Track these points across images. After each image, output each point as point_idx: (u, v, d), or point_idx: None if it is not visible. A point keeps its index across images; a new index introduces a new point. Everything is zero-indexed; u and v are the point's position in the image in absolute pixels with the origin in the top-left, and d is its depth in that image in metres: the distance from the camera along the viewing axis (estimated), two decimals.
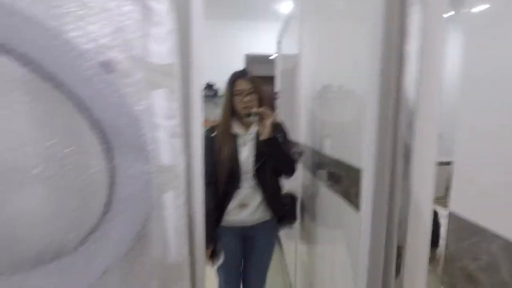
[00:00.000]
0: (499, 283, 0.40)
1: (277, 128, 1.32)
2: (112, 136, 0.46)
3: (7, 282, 0.45)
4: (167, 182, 0.55)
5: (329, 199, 1.22)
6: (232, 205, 1.30)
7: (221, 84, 3.71)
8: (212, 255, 1.27)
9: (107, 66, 0.48)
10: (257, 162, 1.28)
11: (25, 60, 0.40)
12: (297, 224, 1.71)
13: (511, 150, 0.40)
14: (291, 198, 1.60)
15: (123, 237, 0.48)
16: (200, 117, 0.68)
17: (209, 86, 3.74)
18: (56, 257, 0.48)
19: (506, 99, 0.41)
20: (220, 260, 1.29)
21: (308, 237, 1.60)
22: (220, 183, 1.27)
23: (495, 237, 0.41)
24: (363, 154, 0.70)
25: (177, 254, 0.56)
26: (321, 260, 1.38)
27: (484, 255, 0.42)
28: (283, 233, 2.61)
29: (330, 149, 1.22)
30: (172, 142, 0.57)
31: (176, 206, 0.55)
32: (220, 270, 1.39)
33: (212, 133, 1.33)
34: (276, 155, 1.27)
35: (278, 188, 1.40)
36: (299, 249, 1.83)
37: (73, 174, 0.45)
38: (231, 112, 1.31)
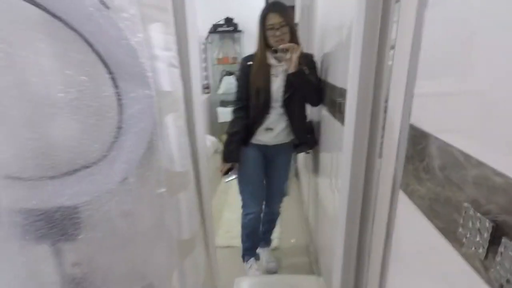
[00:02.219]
0: (434, 178, 0.48)
1: (307, 59, 1.39)
2: (114, 66, 0.55)
3: (47, 185, 0.59)
4: (167, 105, 0.65)
5: (331, 124, 1.29)
6: (260, 127, 1.46)
7: (241, 18, 3.59)
8: (227, 171, 1.50)
9: (104, 3, 0.55)
10: (285, 94, 1.41)
11: (32, 2, 0.48)
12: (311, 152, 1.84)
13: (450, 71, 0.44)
14: (311, 125, 1.73)
15: (136, 148, 0.60)
16: (197, 48, 0.75)
17: (228, 21, 3.62)
18: (84, 167, 0.62)
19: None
20: (232, 177, 1.51)
21: (316, 166, 1.73)
22: (252, 108, 1.43)
23: (435, 139, 0.47)
24: (349, 74, 0.75)
25: (181, 165, 0.69)
26: (323, 184, 1.52)
27: (426, 155, 0.50)
28: (300, 165, 2.78)
29: (332, 78, 1.26)
30: (170, 71, 0.66)
31: (177, 125, 0.66)
32: (244, 183, 1.57)
33: (247, 61, 1.44)
34: (303, 87, 1.38)
35: (303, 117, 1.56)
36: (311, 180, 1.99)
37: (90, 98, 0.56)
38: (265, 45, 1.39)
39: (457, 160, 0.41)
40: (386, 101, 0.70)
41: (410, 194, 0.56)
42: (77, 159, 0.59)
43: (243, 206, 1.59)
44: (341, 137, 1.14)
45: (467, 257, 0.39)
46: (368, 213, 0.86)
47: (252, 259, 1.64)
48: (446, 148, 0.44)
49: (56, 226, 0.59)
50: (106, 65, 0.55)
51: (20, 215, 0.57)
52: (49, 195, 0.58)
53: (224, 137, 1.61)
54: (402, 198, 0.60)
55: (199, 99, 0.73)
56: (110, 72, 0.56)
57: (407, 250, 0.62)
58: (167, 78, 0.65)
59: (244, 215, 1.59)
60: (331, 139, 1.33)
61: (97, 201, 0.61)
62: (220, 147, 3.61)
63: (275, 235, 1.93)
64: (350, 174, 0.83)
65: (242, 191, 1.58)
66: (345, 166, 0.82)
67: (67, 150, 0.58)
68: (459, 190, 0.41)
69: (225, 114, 3.57)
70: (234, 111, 1.52)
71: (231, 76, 3.74)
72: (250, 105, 1.46)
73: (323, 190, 1.54)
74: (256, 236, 1.67)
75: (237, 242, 1.99)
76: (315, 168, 1.77)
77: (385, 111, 0.71)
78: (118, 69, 0.55)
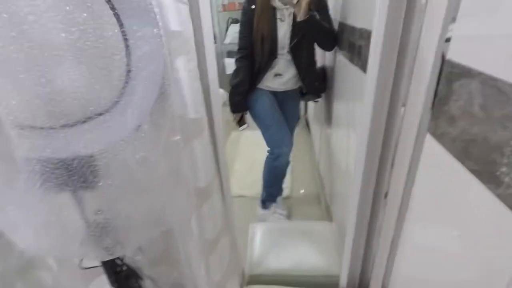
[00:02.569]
0: (472, 117, 0.44)
1: (317, 1, 1.27)
2: (116, 0, 0.49)
3: (60, 133, 0.58)
4: (177, 47, 0.60)
5: (348, 71, 1.22)
6: (269, 73, 1.41)
7: None
8: (240, 120, 1.50)
9: None
10: (292, 40, 1.32)
11: None
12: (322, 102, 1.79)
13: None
14: (323, 71, 1.66)
15: (147, 93, 0.57)
16: None
17: None
18: (96, 115, 0.59)
19: None
20: (246, 125, 1.51)
21: (329, 116, 1.68)
22: (257, 54, 1.36)
23: (478, 74, 0.42)
24: (375, 14, 0.67)
25: (195, 111, 0.66)
26: (337, 134, 1.49)
27: (465, 94, 0.45)
28: (310, 115, 2.72)
29: (351, 18, 1.15)
30: (178, 7, 0.60)
31: (189, 69, 0.62)
32: (267, 123, 1.53)
33: (250, 5, 1.34)
34: (315, 33, 1.29)
35: (312, 64, 1.49)
36: (323, 130, 1.95)
37: (93, 38, 0.51)
38: None
39: (504, 95, 0.37)
40: (416, 42, 0.63)
41: (440, 137, 0.53)
42: (88, 106, 0.56)
43: (272, 147, 1.52)
44: (359, 84, 1.07)
45: (504, 197, 0.37)
46: (386, 161, 0.84)
47: (274, 204, 1.68)
48: (491, 83, 0.39)
49: (75, 174, 0.59)
50: None
51: (38, 164, 0.56)
52: (64, 143, 0.57)
53: None
54: (429, 142, 0.57)
55: (211, 41, 0.67)
56: (112, 8, 0.50)
57: (431, 195, 0.60)
58: (175, 16, 0.59)
59: (275, 157, 1.52)
60: (348, 86, 1.27)
61: (112, 149, 0.59)
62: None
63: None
64: (370, 123, 0.79)
65: (266, 132, 1.51)
66: (365, 116, 0.78)
67: (77, 97, 0.55)
68: (503, 128, 0.37)
69: (233, 65, 3.45)
70: (237, 60, 1.45)
71: (238, 24, 3.53)
72: (254, 52, 1.38)
73: (336, 140, 1.52)
74: (283, 179, 1.66)
75: (249, 192, 2.05)
76: (328, 117, 1.73)
77: (414, 54, 0.65)
78: (121, 4, 0.50)
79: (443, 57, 0.53)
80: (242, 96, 1.44)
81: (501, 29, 0.39)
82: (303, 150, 2.53)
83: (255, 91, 1.47)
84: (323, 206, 1.85)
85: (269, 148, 1.55)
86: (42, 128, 0.54)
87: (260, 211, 1.68)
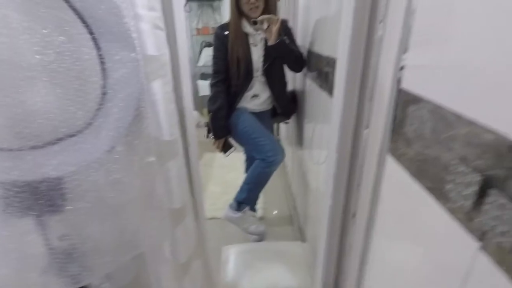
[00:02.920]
0: (424, 140, 0.49)
1: (282, 25, 1.35)
2: (95, 25, 0.51)
3: (29, 155, 0.56)
4: (154, 70, 0.62)
5: (317, 95, 1.29)
6: (246, 94, 1.49)
7: None
8: (224, 146, 1.51)
9: None
10: (265, 63, 1.39)
11: None
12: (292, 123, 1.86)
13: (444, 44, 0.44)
14: (293, 94, 1.74)
15: (123, 115, 0.57)
16: (182, 9, 0.70)
17: None
18: (68, 136, 0.59)
19: None
20: (232, 149, 1.51)
21: (299, 137, 1.75)
22: (233, 77, 1.40)
23: (426, 103, 0.48)
24: (339, 45, 0.74)
25: (170, 134, 0.67)
26: (308, 156, 1.55)
27: (417, 119, 0.51)
28: (282, 137, 2.80)
29: (318, 47, 1.24)
30: (155, 33, 0.62)
31: (165, 92, 0.64)
32: (256, 132, 1.50)
33: (224, 31, 1.39)
34: (285, 56, 1.36)
35: (284, 85, 1.57)
36: (294, 151, 2.01)
37: (69, 60, 0.52)
38: (239, 13, 1.33)
39: (448, 121, 0.42)
40: (375, 70, 0.70)
41: (399, 158, 0.58)
42: (60, 127, 0.56)
43: (268, 155, 1.47)
44: (327, 108, 1.15)
45: (452, 211, 0.41)
46: (353, 182, 0.89)
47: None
48: (437, 110, 0.45)
49: (42, 197, 0.57)
50: (86, 23, 0.51)
51: (1, 188, 0.54)
52: (32, 165, 0.55)
53: (205, 111, 1.59)
54: (390, 163, 0.63)
55: (186, 65, 0.70)
56: (91, 32, 0.52)
57: (393, 212, 0.65)
58: (152, 41, 0.61)
59: (269, 163, 1.47)
60: (317, 109, 1.34)
61: (84, 171, 0.58)
62: (202, 120, 3.56)
63: (259, 205, 1.98)
64: (337, 145, 0.84)
65: (258, 144, 1.49)
66: (332, 137, 0.83)
67: (48, 118, 0.54)
68: (448, 149, 0.43)
69: (206, 87, 3.48)
70: (213, 85, 1.47)
71: (211, 48, 3.61)
72: (229, 76, 1.43)
73: (307, 161, 1.58)
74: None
75: (221, 214, 2.03)
76: (299, 139, 1.79)
77: (374, 81, 0.72)
78: (100, 28, 0.51)
79: (398, 84, 0.59)
80: (224, 120, 1.46)
81: (442, 61, 0.46)
82: (275, 171, 2.57)
83: (235, 112, 1.50)
84: (296, 227, 1.87)
85: (262, 157, 1.49)
86: (9, 150, 0.53)
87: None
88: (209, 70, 3.51)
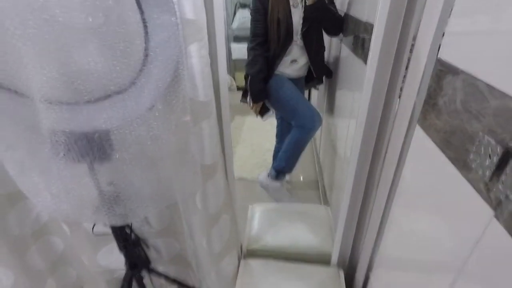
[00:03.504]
0: (453, 111, 0.49)
1: None
2: None
3: (83, 109, 0.63)
4: (191, 34, 0.65)
5: (351, 62, 1.26)
6: (286, 58, 1.47)
7: None
8: (262, 109, 1.54)
9: None
10: (304, 26, 1.36)
11: None
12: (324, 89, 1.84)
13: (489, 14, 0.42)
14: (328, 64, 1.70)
15: (163, 76, 0.62)
16: None
17: None
18: (115, 93, 0.65)
19: None
20: (270, 112, 1.55)
21: (331, 105, 1.73)
22: (273, 40, 1.40)
23: (463, 73, 0.48)
24: (377, 9, 0.71)
25: (204, 95, 0.72)
26: (337, 123, 1.54)
27: (450, 90, 0.51)
28: (313, 103, 2.76)
29: (357, 11, 1.18)
30: None
31: (201, 55, 0.67)
32: (295, 99, 1.51)
33: None
34: (323, 17, 1.32)
35: (321, 49, 1.53)
36: (324, 118, 2.00)
37: (117, 23, 0.56)
38: None
39: (481, 93, 0.42)
40: (414, 38, 0.68)
41: (427, 128, 0.58)
42: (109, 85, 0.62)
43: (306, 122, 1.48)
44: (361, 75, 1.12)
45: (472, 181, 0.43)
46: (380, 151, 0.90)
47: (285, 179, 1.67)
48: (471, 81, 0.44)
49: (95, 146, 0.65)
50: None
51: (63, 135, 0.62)
52: (87, 118, 0.63)
53: (239, 74, 1.60)
54: (418, 133, 0.63)
55: (222, 29, 0.72)
56: None
57: (415, 181, 0.67)
58: (191, 5, 0.63)
59: (308, 130, 1.49)
60: (350, 77, 1.31)
61: (129, 126, 0.65)
62: (234, 84, 3.58)
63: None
64: (367, 113, 0.84)
65: (297, 110, 1.48)
66: (363, 105, 0.83)
67: (99, 76, 0.60)
68: (477, 121, 0.43)
69: (239, 50, 3.44)
70: (252, 48, 1.46)
71: (245, 9, 3.50)
72: (268, 39, 1.42)
73: (336, 129, 1.57)
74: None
75: (249, 175, 2.13)
76: (329, 106, 1.78)
77: (411, 50, 0.69)
78: None
79: (436, 54, 0.58)
80: (264, 83, 1.47)
81: (484, 34, 0.44)
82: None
83: (274, 77, 1.49)
84: (321, 192, 1.92)
85: (300, 124, 1.49)
86: (68, 103, 0.60)
87: (271, 182, 1.61)
88: (243, 33, 3.45)
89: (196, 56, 0.67)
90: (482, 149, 0.40)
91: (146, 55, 0.59)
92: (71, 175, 0.69)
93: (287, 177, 1.97)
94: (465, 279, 0.46)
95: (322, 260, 1.12)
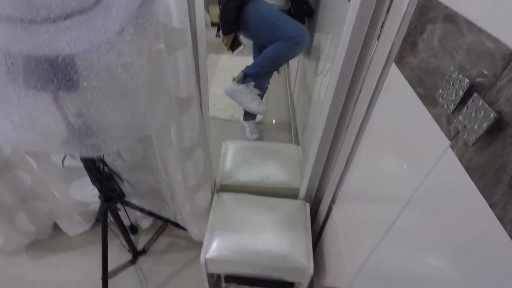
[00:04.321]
0: (430, 49, 0.50)
1: None
2: None
3: (42, 28, 0.56)
4: None
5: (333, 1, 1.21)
6: None
7: None
8: (233, 43, 1.45)
9: None
10: None
11: None
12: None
13: None
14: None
15: None
16: None
17: None
18: (78, 12, 0.58)
19: None
20: (241, 47, 1.47)
21: (309, 47, 1.69)
22: None
23: (444, 7, 0.48)
24: None
25: (179, 21, 0.66)
26: (314, 65, 1.52)
27: (430, 25, 0.51)
28: None
29: None
30: None
31: None
32: (274, 15, 1.40)
33: None
34: None
35: None
36: (301, 60, 1.96)
37: None
38: None
39: (459, 28, 0.43)
40: None
41: (402, 66, 0.60)
42: (70, 1, 0.55)
43: (289, 33, 1.37)
44: (341, 14, 1.08)
45: (436, 115, 0.46)
46: (354, 93, 0.92)
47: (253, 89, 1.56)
48: (452, 16, 0.45)
49: (59, 72, 0.60)
50: None
51: (20, 57, 0.56)
52: (46, 39, 0.56)
53: (214, 8, 1.47)
54: (393, 71, 0.64)
55: None
56: None
57: (383, 120, 0.70)
58: None
59: (296, 42, 1.37)
60: (331, 16, 1.27)
61: (97, 50, 0.60)
62: (208, 19, 3.32)
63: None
64: (345, 54, 0.83)
65: (281, 26, 1.37)
66: (341, 45, 0.82)
67: None
68: (451, 57, 0.44)
69: None
70: None
71: None
72: None
73: (312, 71, 1.56)
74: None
75: (222, 114, 2.12)
76: (307, 48, 1.74)
77: None
78: None
79: None
80: (235, 12, 1.37)
81: None
82: (278, 78, 2.56)
83: (251, 2, 1.38)
84: (293, 133, 1.98)
85: (288, 37, 1.38)
86: (22, 20, 0.53)
87: (235, 85, 1.51)
88: None
89: None
90: (451, 84, 0.42)
91: None
92: (34, 102, 0.65)
93: (257, 118, 1.93)
94: (411, 208, 0.53)
95: (291, 194, 1.20)
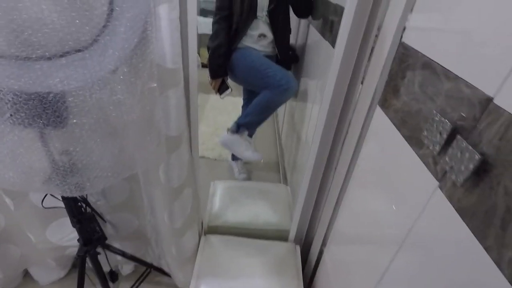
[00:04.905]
0: (411, 93, 0.53)
1: None
2: None
3: (36, 65, 0.57)
4: None
5: (319, 45, 1.29)
6: (252, 33, 1.43)
7: None
8: (220, 86, 1.50)
9: None
10: (270, 4, 1.34)
11: None
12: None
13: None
14: (292, 48, 1.70)
15: (129, 35, 0.58)
16: None
17: None
18: (75, 51, 0.59)
19: None
20: (228, 90, 1.51)
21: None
22: (236, 14, 1.36)
23: (422, 57, 0.51)
24: None
25: (173, 62, 0.69)
26: (302, 107, 1.58)
27: (410, 71, 0.54)
28: None
29: None
30: None
31: (171, 18, 0.64)
32: (262, 65, 1.44)
33: None
34: None
35: (287, 31, 1.53)
36: (289, 102, 2.04)
37: None
38: None
39: (437, 75, 0.46)
40: (379, 28, 0.71)
41: (386, 109, 0.63)
42: (66, 40, 0.56)
43: (282, 82, 1.40)
44: (327, 59, 1.15)
45: (423, 156, 0.47)
46: (341, 134, 0.95)
47: (249, 139, 1.59)
48: (429, 64, 0.48)
49: (48, 108, 0.60)
50: None
51: (10, 93, 0.56)
52: (39, 75, 0.57)
53: (204, 50, 1.55)
54: (378, 113, 0.67)
55: None
56: None
57: (370, 161, 0.72)
58: None
59: (284, 89, 1.39)
60: (316, 62, 1.34)
61: (89, 88, 0.61)
62: (199, 60, 3.47)
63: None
64: (332, 96, 0.87)
65: (269, 74, 1.40)
66: (328, 89, 0.86)
67: (54, 29, 0.55)
68: (431, 101, 0.47)
69: (206, 25, 3.32)
70: (215, 22, 1.42)
71: None
72: (233, 13, 1.39)
73: (300, 112, 1.62)
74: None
75: (211, 154, 2.12)
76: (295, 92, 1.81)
77: (375, 39, 0.73)
78: None
79: (400, 38, 0.61)
80: (223, 58, 1.44)
81: (444, 23, 0.48)
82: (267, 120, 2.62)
83: (238, 50, 1.45)
84: (281, 173, 1.98)
85: (274, 85, 1.41)
86: (17, 57, 0.54)
87: (230, 135, 1.54)
88: (209, 6, 3.31)
89: (165, 18, 0.63)
90: (434, 126, 0.44)
91: (111, 10, 0.55)
92: (18, 138, 0.63)
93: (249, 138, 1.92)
94: (406, 250, 0.52)
95: (280, 236, 1.17)
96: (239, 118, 1.55)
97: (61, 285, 1.30)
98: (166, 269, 1.28)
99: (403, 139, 0.54)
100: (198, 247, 1.08)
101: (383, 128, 0.64)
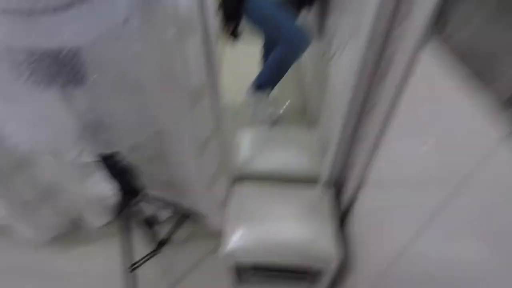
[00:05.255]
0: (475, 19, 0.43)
1: None
2: None
3: (42, 20, 0.52)
4: None
5: None
6: None
7: None
8: (234, 31, 1.39)
9: None
10: None
11: None
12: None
13: None
14: None
15: None
16: None
17: None
18: (79, 2, 0.53)
19: None
20: (241, 36, 1.41)
21: (321, 28, 1.59)
22: None
23: None
24: None
25: (188, 8, 0.61)
26: (327, 48, 1.43)
27: None
28: None
29: None
30: None
31: None
32: (278, 13, 1.38)
33: None
34: None
35: None
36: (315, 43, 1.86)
37: None
38: None
39: None
40: None
41: (444, 41, 0.52)
42: None
43: (289, 37, 1.37)
44: None
45: (491, 95, 0.40)
46: (376, 75, 0.84)
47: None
48: None
49: (63, 66, 0.57)
50: None
51: (22, 53, 0.53)
52: (48, 31, 0.52)
53: None
54: (431, 49, 0.57)
55: None
56: None
57: (417, 103, 0.63)
58: None
59: (296, 46, 1.38)
60: None
61: (103, 42, 0.56)
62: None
63: (273, 93, 1.96)
64: (369, 34, 0.75)
65: (284, 25, 1.35)
66: (365, 24, 0.73)
67: None
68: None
69: None
70: None
71: None
72: None
73: (326, 54, 1.47)
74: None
75: (235, 100, 2.06)
76: (320, 29, 1.63)
77: None
78: None
79: None
80: (238, 1, 1.31)
81: None
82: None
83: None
84: (308, 117, 1.91)
85: (285, 43, 1.38)
86: (21, 13, 0.49)
87: (250, 97, 1.55)
88: None
89: None
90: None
91: None
92: (42, 101, 0.62)
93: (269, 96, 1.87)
94: (459, 196, 0.47)
95: (311, 180, 1.16)
96: (256, 79, 1.51)
97: (110, 228, 1.43)
98: (201, 213, 1.36)
99: (465, 77, 0.46)
100: (230, 193, 1.11)
101: (434, 69, 0.55)
